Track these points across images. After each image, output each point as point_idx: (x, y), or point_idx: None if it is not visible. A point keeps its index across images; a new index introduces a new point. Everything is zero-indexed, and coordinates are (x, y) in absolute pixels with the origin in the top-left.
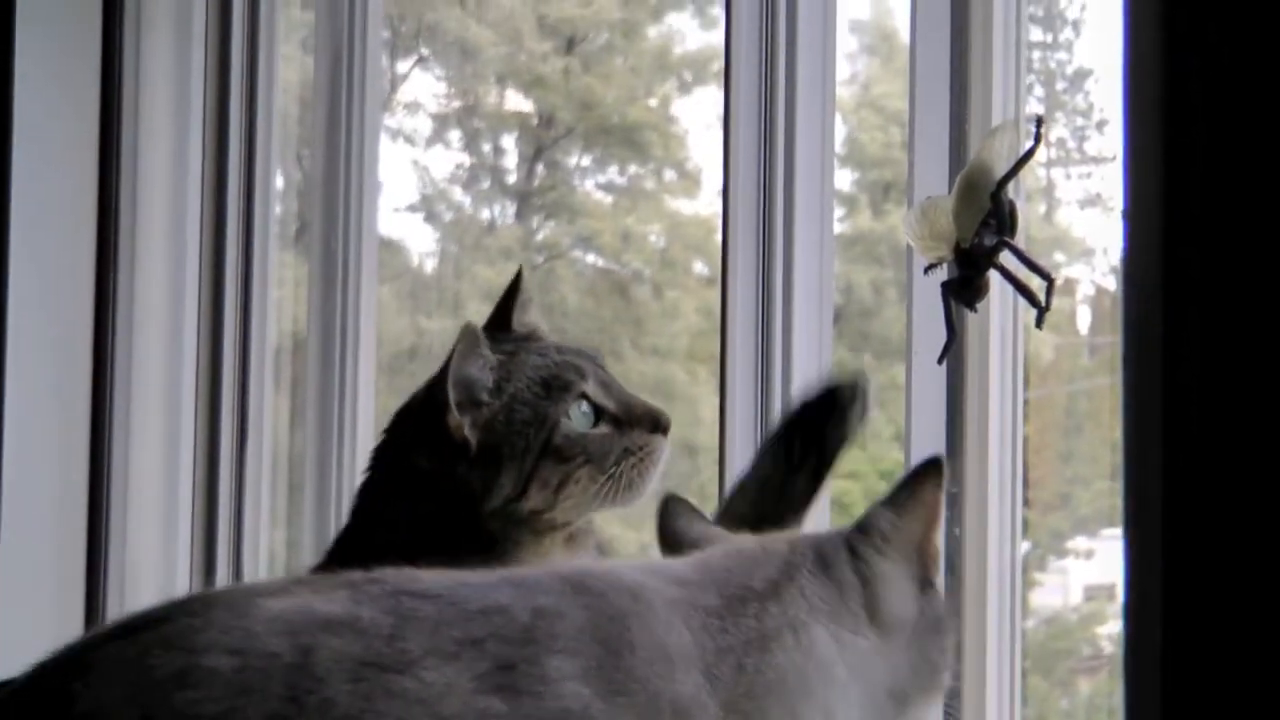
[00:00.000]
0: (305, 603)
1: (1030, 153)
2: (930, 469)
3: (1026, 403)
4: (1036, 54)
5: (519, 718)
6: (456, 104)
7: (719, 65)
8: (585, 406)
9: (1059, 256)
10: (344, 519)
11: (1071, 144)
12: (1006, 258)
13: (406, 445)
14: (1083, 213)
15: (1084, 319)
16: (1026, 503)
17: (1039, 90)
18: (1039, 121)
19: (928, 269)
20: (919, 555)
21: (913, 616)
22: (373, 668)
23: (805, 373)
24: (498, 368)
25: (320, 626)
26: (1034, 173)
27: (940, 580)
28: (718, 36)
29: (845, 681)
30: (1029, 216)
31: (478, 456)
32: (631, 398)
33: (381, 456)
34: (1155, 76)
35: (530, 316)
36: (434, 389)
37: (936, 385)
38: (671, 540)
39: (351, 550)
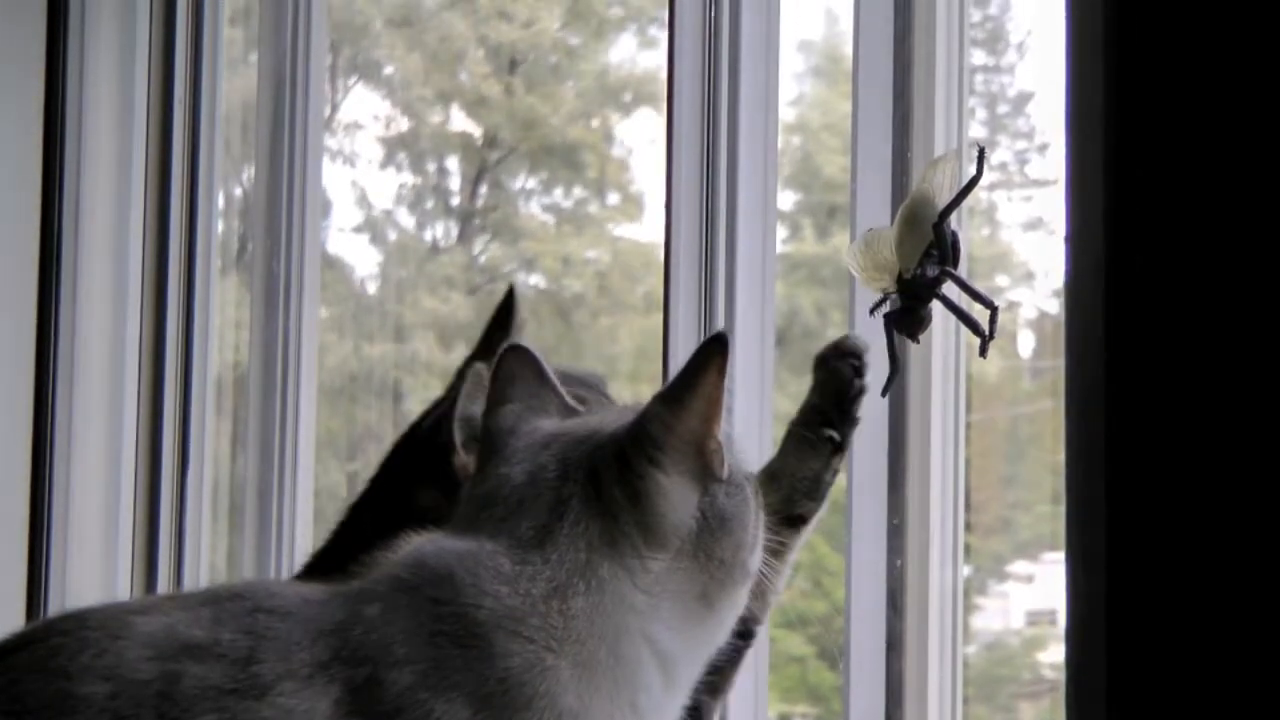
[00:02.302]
0: (171, 623)
1: (973, 183)
2: (711, 352)
3: (968, 426)
4: (979, 77)
5: None
6: (400, 124)
7: (657, 88)
8: None
9: (1001, 280)
10: (294, 544)
11: (1013, 167)
12: (949, 288)
13: (408, 480)
14: (1025, 235)
15: (1026, 342)
16: (968, 526)
17: (981, 113)
18: (981, 152)
19: (874, 308)
20: (698, 454)
21: (693, 525)
22: (233, 695)
23: (747, 395)
24: None
25: (184, 651)
26: (976, 195)
27: (726, 469)
28: (658, 58)
29: (649, 605)
30: (971, 239)
31: None
32: None
33: (377, 484)
34: (1097, 100)
35: (522, 338)
36: (438, 428)
37: (878, 407)
38: (495, 405)
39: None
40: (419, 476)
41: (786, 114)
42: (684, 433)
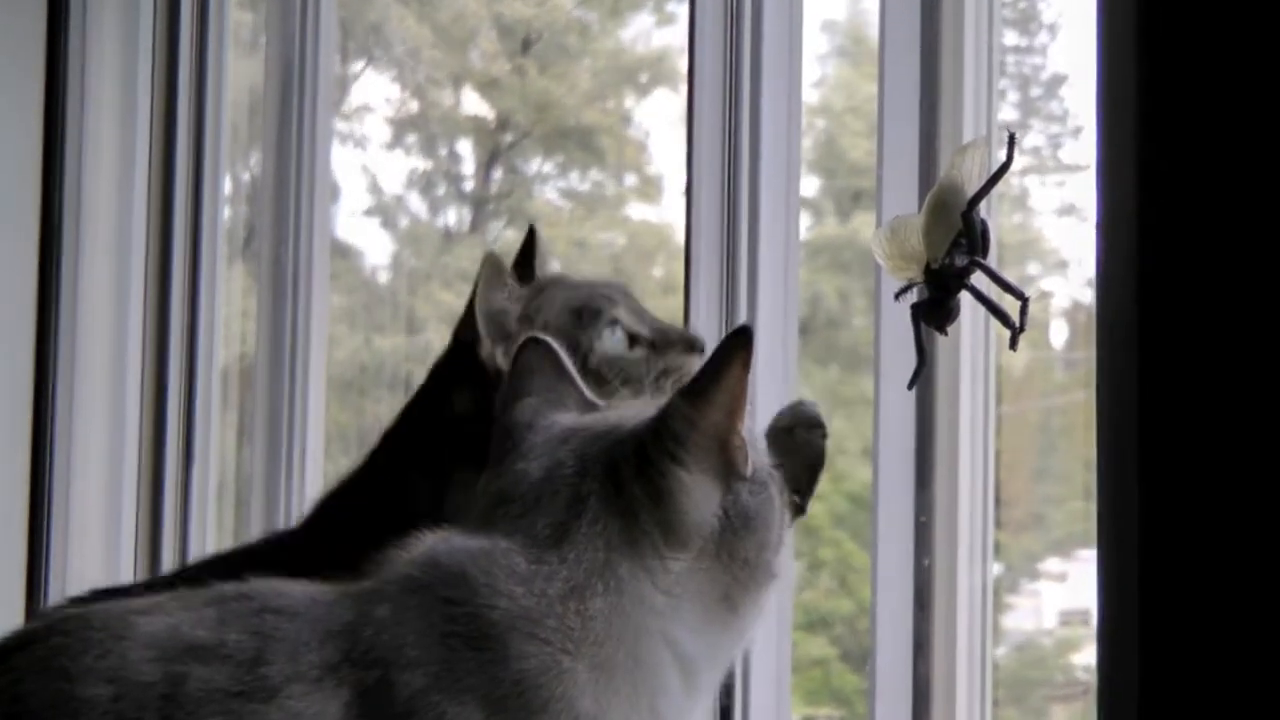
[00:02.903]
0: (175, 624)
1: (1003, 170)
2: (735, 346)
3: (998, 419)
4: (1011, 58)
5: None
6: (411, 107)
7: (675, 66)
8: (618, 332)
9: (1033, 268)
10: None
11: (1046, 152)
12: (978, 278)
13: (440, 395)
14: (1058, 221)
15: (1059, 333)
16: (998, 523)
17: (1012, 96)
18: (1011, 137)
19: (899, 294)
20: (721, 450)
21: (715, 524)
22: (240, 698)
23: (771, 385)
24: (525, 297)
25: (189, 652)
26: (1007, 181)
27: (749, 466)
28: (674, 36)
29: (670, 607)
30: (1002, 225)
31: None
32: (663, 322)
33: (408, 412)
34: (1130, 83)
35: (551, 268)
36: (460, 330)
37: (905, 399)
38: (514, 398)
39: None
40: (452, 380)
41: (810, 96)
42: (707, 428)
